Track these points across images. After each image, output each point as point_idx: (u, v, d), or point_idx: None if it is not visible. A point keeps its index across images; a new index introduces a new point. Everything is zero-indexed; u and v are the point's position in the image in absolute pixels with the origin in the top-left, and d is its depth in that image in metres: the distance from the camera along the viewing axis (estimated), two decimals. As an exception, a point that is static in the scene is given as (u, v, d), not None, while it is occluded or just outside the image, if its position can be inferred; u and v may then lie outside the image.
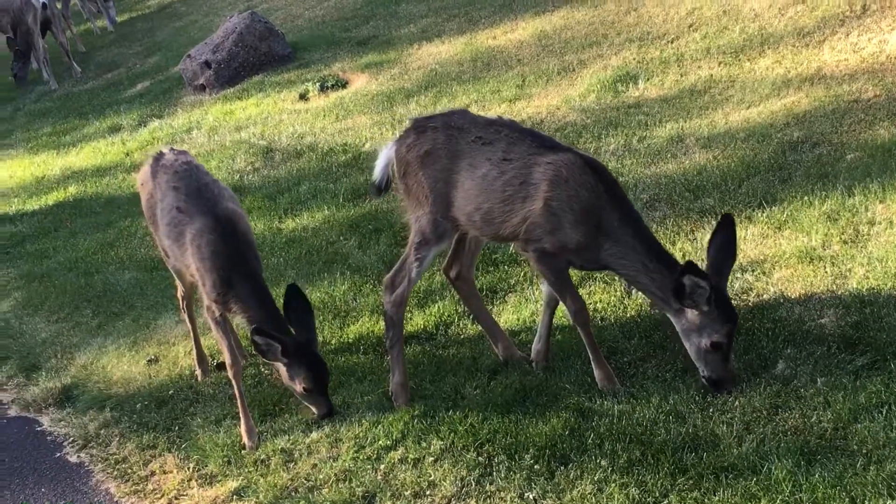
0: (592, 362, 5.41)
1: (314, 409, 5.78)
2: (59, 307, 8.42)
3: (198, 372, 6.77)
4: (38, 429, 6.77)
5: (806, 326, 5.38)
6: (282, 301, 5.77)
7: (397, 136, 5.87)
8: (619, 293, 6.24)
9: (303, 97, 11.62)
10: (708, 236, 6.20)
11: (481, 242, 5.93)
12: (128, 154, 11.63)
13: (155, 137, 11.83)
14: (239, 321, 5.97)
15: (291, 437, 5.79)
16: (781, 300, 5.68)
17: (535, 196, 5.13)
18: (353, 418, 5.77)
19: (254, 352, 6.36)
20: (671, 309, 5.06)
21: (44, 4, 15.44)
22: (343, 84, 11.63)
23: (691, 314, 4.97)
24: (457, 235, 5.67)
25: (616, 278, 6.30)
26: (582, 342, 5.46)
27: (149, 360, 7.15)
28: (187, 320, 6.82)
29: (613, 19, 10.79)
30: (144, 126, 12.41)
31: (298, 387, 5.63)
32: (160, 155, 6.60)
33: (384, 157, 5.80)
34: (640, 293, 5.85)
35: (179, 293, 6.78)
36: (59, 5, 16.69)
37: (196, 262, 5.80)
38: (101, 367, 7.25)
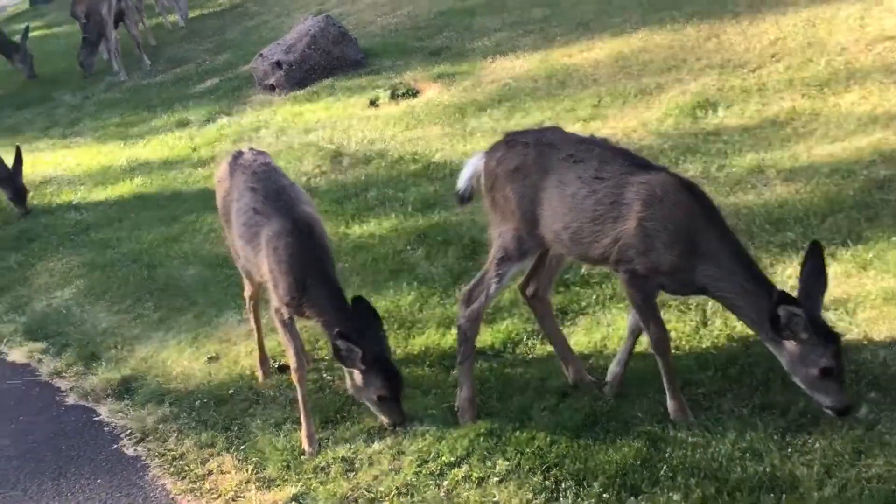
0: (667, 392, 5.27)
1: (386, 418, 5.67)
2: (120, 298, 8.39)
3: (259, 373, 6.70)
4: (96, 419, 6.73)
5: (891, 370, 5.22)
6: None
7: (487, 148, 5.76)
8: (694, 322, 6.10)
9: (373, 103, 11.56)
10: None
11: (562, 262, 5.82)
12: (195, 149, 11.61)
13: (223, 134, 11.80)
14: (312, 325, 5.90)
15: (353, 447, 5.71)
16: (865, 342, 5.53)
17: (627, 216, 5.01)
18: (416, 432, 5.67)
19: (316, 358, 6.32)
20: (769, 338, 4.89)
21: (118, -5, 15.52)
22: (414, 93, 11.55)
23: (791, 345, 4.79)
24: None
25: (692, 307, 6.17)
26: (655, 370, 5.34)
27: (209, 358, 7.10)
28: (252, 320, 6.75)
29: (693, 45, 10.64)
30: (212, 122, 12.40)
31: (374, 395, 5.52)
32: (239, 154, 6.55)
33: (471, 167, 5.70)
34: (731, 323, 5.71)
35: (247, 293, 6.71)
36: (133, -2, 16.75)
37: (271, 263, 5.73)
38: (160, 361, 7.20)
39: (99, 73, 16.53)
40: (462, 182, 5.75)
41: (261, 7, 18.46)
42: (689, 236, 4.96)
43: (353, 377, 5.56)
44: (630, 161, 5.21)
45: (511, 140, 5.59)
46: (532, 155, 5.38)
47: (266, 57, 12.99)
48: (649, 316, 5.18)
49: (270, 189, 6.09)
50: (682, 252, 4.96)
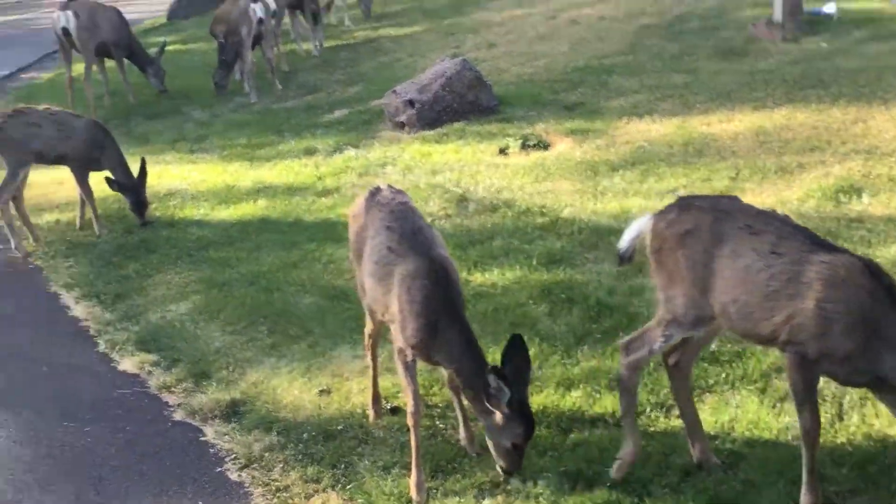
0: (804, 485, 4.99)
1: (504, 464, 5.50)
2: (235, 319, 8.33)
3: (371, 412, 6.57)
4: (202, 439, 6.64)
5: None
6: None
7: (658, 210, 5.58)
8: (829, 415, 5.83)
9: (502, 151, 11.46)
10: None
11: (714, 336, 5.61)
12: (320, 178, 11.60)
13: (349, 166, 11.78)
14: (442, 368, 5.78)
15: (462, 501, 5.54)
16: None
17: (804, 295, 4.75)
18: (528, 493, 5.49)
19: (429, 404, 6.17)
20: None
21: (260, 20, 15.66)
22: (545, 145, 11.42)
23: None
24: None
25: (828, 398, 5.91)
26: (786, 458, 5.10)
27: (321, 391, 6.99)
28: (369, 358, 6.63)
29: (839, 127, 10.37)
30: (339, 153, 12.39)
31: (509, 441, 5.35)
32: (377, 190, 6.46)
33: (636, 228, 5.54)
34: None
35: (367, 330, 6.60)
36: (272, 22, 16.91)
37: (402, 304, 5.60)
38: (271, 388, 7.11)
39: (229, 93, 16.69)
40: (625, 242, 5.59)
41: (395, 45, 18.56)
42: (872, 323, 4.69)
43: (493, 420, 5.39)
44: (811, 239, 4.97)
45: (684, 203, 5.41)
46: (706, 220, 5.18)
47: (399, 94, 12.98)
48: (806, 403, 4.89)
49: (407, 229, 5.98)
50: (862, 340, 4.69)
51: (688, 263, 5.18)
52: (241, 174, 12.24)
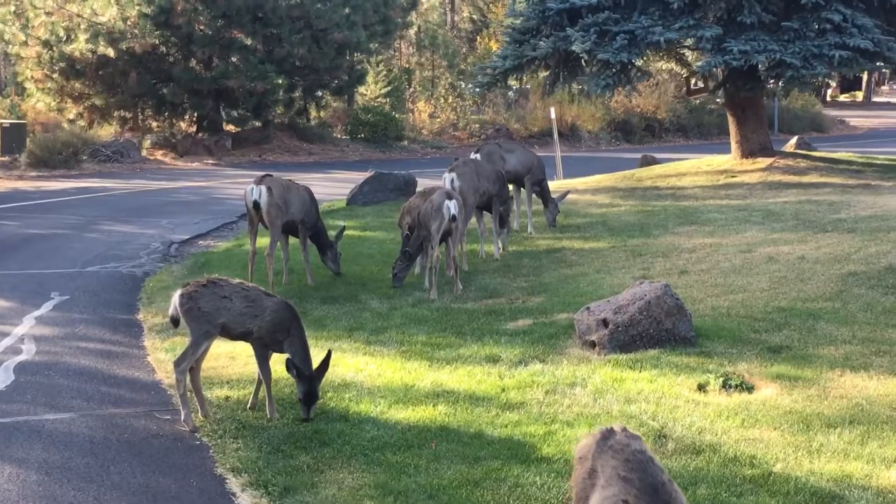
0: None
1: None
2: (413, 536, 7.67)
3: None
4: None
5: None
6: None
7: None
8: None
9: (701, 388, 10.71)
10: None
11: None
12: (503, 390, 10.98)
13: (535, 381, 11.15)
14: None
15: None
16: None
17: None
18: None
19: None
20: None
21: (453, 216, 15.41)
22: (749, 387, 10.64)
23: None
24: None
25: None
26: None
27: None
28: None
29: None
30: (524, 366, 11.78)
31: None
32: (609, 433, 5.86)
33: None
34: None
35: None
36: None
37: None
38: None
39: (406, 286, 16.39)
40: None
41: (579, 258, 18.11)
42: None
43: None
44: None
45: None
46: None
47: (593, 311, 12.40)
48: None
49: (647, 483, 5.34)
50: None
51: None
52: (420, 374, 11.72)
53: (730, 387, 10.70)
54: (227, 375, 11.94)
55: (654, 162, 32.40)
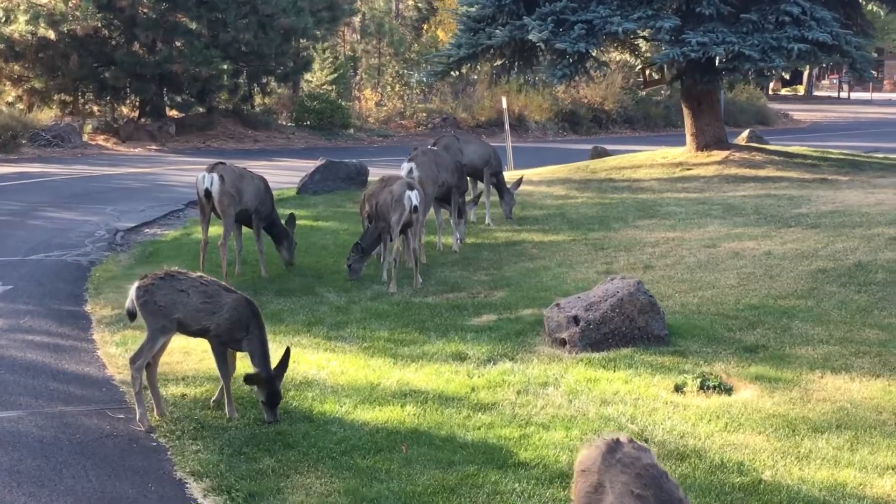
0: None
1: None
2: (390, 548, 7.21)
3: None
4: None
5: None
6: None
7: None
8: None
9: (678, 389, 10.36)
10: None
11: None
12: (473, 389, 10.54)
13: (506, 381, 10.72)
14: None
15: None
16: None
17: None
18: None
19: None
20: None
21: (415, 207, 14.92)
22: (727, 389, 10.30)
23: None
24: None
25: None
26: None
27: None
28: None
29: None
30: (493, 364, 11.34)
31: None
32: (617, 444, 5.44)
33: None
34: None
35: None
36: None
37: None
38: None
39: (364, 279, 15.88)
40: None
41: (541, 251, 17.69)
42: None
43: None
44: None
45: None
46: None
47: (563, 308, 11.99)
48: None
49: (663, 501, 4.95)
50: None
51: None
52: (385, 372, 11.24)
53: (708, 388, 10.35)
54: (182, 371, 11.40)
55: (606, 153, 32.05)
